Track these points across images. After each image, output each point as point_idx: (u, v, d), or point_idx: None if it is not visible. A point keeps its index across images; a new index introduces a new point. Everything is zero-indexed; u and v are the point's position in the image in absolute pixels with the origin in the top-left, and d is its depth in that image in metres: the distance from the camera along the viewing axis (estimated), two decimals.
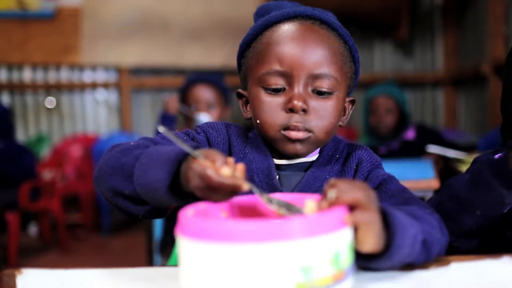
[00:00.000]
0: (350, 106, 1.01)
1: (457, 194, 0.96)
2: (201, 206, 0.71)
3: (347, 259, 0.62)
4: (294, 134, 0.89)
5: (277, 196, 0.75)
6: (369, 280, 0.71)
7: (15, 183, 3.53)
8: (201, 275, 0.59)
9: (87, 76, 5.17)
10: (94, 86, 5.15)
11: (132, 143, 0.86)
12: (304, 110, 0.89)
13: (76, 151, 4.62)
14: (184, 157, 0.75)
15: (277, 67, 0.90)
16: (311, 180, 0.93)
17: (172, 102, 2.70)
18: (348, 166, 0.97)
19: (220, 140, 0.98)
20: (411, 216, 0.75)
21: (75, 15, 4.96)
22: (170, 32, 5.00)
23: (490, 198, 0.90)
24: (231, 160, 0.72)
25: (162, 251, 2.15)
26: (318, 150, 0.98)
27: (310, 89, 0.90)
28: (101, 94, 5.20)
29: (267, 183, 0.93)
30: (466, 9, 4.85)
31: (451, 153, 2.45)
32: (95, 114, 5.21)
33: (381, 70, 5.24)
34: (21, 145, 3.80)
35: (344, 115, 0.99)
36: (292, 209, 0.70)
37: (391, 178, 0.94)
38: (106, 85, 5.16)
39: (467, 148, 2.77)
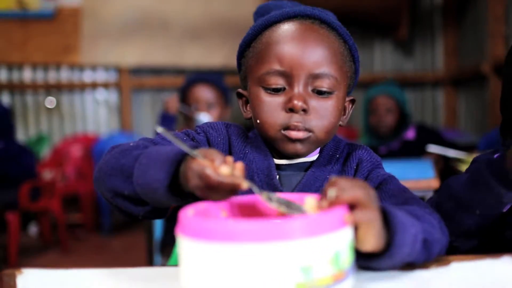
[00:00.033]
0: (350, 106, 1.01)
1: (456, 194, 0.96)
2: (202, 206, 0.71)
3: (347, 259, 0.62)
4: (294, 134, 0.89)
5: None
6: (369, 280, 0.71)
7: (15, 183, 3.53)
8: (201, 275, 0.59)
9: (87, 76, 5.17)
10: (94, 86, 5.15)
11: (131, 144, 0.86)
12: (304, 110, 0.89)
13: (76, 151, 4.62)
14: (183, 157, 0.75)
15: (277, 66, 0.90)
16: (311, 180, 0.93)
17: (172, 102, 2.70)
18: (348, 166, 0.97)
19: (220, 140, 0.98)
20: (411, 215, 0.75)
21: (75, 15, 4.96)
22: (170, 32, 5.00)
23: (489, 197, 0.90)
24: (230, 159, 0.72)
25: (162, 251, 2.15)
26: (318, 150, 0.98)
27: (310, 88, 0.90)
28: (101, 94, 5.20)
29: (267, 183, 0.93)
30: (466, 9, 4.85)
31: (451, 153, 2.45)
32: (95, 114, 5.21)
33: (381, 70, 5.24)
34: (21, 145, 3.80)
35: (344, 114, 0.99)
36: (292, 207, 0.70)
37: (391, 178, 0.94)
38: (106, 85, 5.16)
39: (467, 148, 2.77)
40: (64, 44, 4.97)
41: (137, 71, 5.14)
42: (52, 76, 5.12)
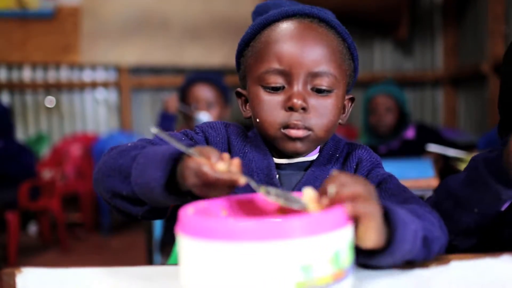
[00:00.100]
0: (350, 104, 1.01)
1: (454, 192, 0.96)
2: (201, 204, 0.71)
3: (347, 258, 0.62)
4: (294, 133, 0.89)
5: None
6: (369, 279, 0.71)
7: (15, 182, 3.53)
8: (201, 274, 0.59)
9: (87, 76, 5.17)
10: (93, 85, 5.15)
11: (129, 144, 0.86)
12: (304, 109, 0.89)
13: (75, 150, 4.62)
14: (179, 156, 0.76)
15: (276, 65, 0.90)
16: (311, 179, 0.93)
17: (172, 101, 2.70)
18: (348, 165, 0.97)
19: (219, 140, 0.98)
20: (411, 213, 0.75)
21: (75, 14, 4.96)
22: (170, 32, 5.00)
23: (487, 195, 0.90)
24: (226, 155, 0.72)
25: (162, 250, 2.15)
26: (318, 149, 0.98)
27: (309, 87, 0.90)
28: (100, 94, 5.20)
29: (267, 182, 0.93)
30: (466, 8, 4.84)
31: (451, 152, 2.45)
32: (94, 114, 5.21)
33: (381, 69, 5.24)
34: (21, 145, 3.80)
35: (343, 113, 0.99)
36: (290, 199, 0.70)
37: (391, 177, 0.94)
38: (105, 85, 5.16)
39: (466, 147, 2.77)
40: (63, 44, 4.97)
41: (137, 70, 5.14)
42: (51, 76, 5.12)
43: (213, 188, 0.71)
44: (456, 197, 0.96)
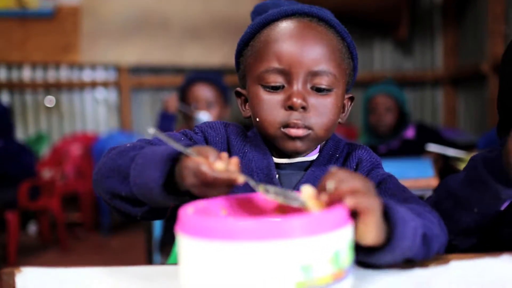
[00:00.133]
0: (349, 103, 1.01)
1: (453, 192, 0.97)
2: (201, 204, 0.71)
3: (347, 258, 0.62)
4: (294, 132, 0.89)
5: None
6: (369, 279, 0.71)
7: (15, 182, 3.53)
8: (201, 273, 0.59)
9: (87, 75, 5.17)
10: (93, 85, 5.15)
11: (128, 145, 0.86)
12: (304, 108, 0.89)
13: (75, 150, 4.62)
14: (178, 156, 0.76)
15: (275, 64, 0.90)
16: (311, 179, 0.93)
17: (172, 101, 2.70)
18: (348, 165, 0.97)
19: (219, 140, 0.98)
20: (411, 211, 0.75)
21: (75, 14, 4.96)
22: (170, 31, 5.00)
23: (487, 195, 0.90)
24: (224, 154, 0.72)
25: (162, 250, 2.15)
26: (318, 149, 0.98)
27: (309, 86, 0.90)
28: (100, 93, 5.20)
29: (267, 182, 0.92)
30: (466, 8, 4.84)
31: (450, 152, 2.45)
32: (94, 113, 5.21)
33: (380, 69, 5.24)
34: (21, 144, 3.80)
35: (343, 112, 0.99)
36: (289, 197, 0.70)
37: (390, 178, 0.94)
38: (105, 84, 5.16)
39: (466, 147, 2.77)
40: (63, 43, 4.97)
41: (137, 70, 5.14)
42: (51, 75, 5.12)
43: (211, 187, 0.71)
44: (455, 197, 0.96)
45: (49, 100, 5.12)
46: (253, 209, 0.76)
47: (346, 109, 1.00)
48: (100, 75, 5.17)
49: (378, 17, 4.96)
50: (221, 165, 0.70)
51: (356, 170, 0.97)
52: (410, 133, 3.03)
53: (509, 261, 0.76)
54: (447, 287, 0.69)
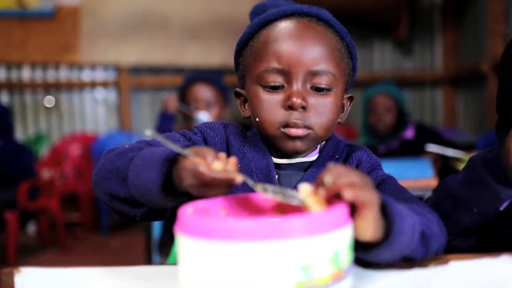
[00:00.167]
0: (348, 103, 1.01)
1: (453, 192, 0.97)
2: (201, 204, 0.71)
3: (346, 258, 0.62)
4: (293, 131, 0.89)
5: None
6: (368, 279, 0.71)
7: (14, 182, 3.53)
8: (200, 273, 0.59)
9: (86, 75, 5.16)
10: (93, 85, 5.15)
11: (126, 146, 0.86)
12: (303, 107, 0.89)
13: (75, 150, 4.62)
14: (176, 157, 0.76)
15: (275, 64, 0.90)
16: (311, 180, 0.93)
17: (171, 101, 2.69)
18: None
19: (218, 140, 0.98)
20: (409, 209, 0.75)
21: (74, 14, 4.96)
22: (170, 31, 5.00)
23: (486, 195, 0.91)
24: (222, 155, 0.72)
25: (161, 250, 2.14)
26: (317, 150, 0.98)
27: (308, 86, 0.91)
28: (100, 93, 5.20)
29: (266, 183, 0.92)
30: (465, 8, 4.85)
31: (450, 152, 2.45)
32: (94, 113, 5.21)
33: (380, 69, 5.24)
34: (20, 144, 3.80)
35: (342, 112, 0.99)
36: (287, 195, 0.70)
37: (390, 179, 0.94)
38: (105, 84, 5.16)
39: (466, 147, 2.77)
40: (63, 43, 4.97)
41: (136, 70, 5.14)
42: (51, 75, 5.12)
43: (210, 188, 0.71)
44: (455, 197, 0.96)
45: (49, 100, 5.12)
46: (253, 209, 0.76)
47: (345, 109, 1.00)
48: (99, 75, 5.17)
49: (377, 17, 4.97)
50: (219, 165, 0.70)
51: None
52: (409, 133, 3.03)
53: (509, 261, 0.76)
54: (447, 287, 0.69)
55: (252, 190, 0.74)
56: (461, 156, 2.34)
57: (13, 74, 5.09)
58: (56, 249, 3.95)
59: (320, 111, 0.90)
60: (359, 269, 0.74)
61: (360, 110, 3.18)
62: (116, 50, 4.99)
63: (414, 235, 0.72)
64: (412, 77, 5.17)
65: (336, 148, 0.99)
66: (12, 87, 5.07)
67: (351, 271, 0.64)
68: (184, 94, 2.59)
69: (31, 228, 4.45)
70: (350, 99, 1.01)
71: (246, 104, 0.99)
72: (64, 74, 5.14)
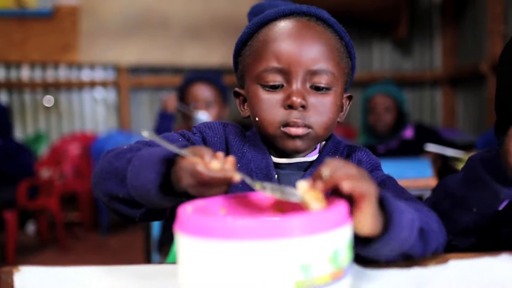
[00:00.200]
0: (347, 102, 1.02)
1: (452, 192, 0.97)
2: (200, 203, 0.71)
3: (346, 257, 0.62)
4: (294, 131, 0.89)
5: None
6: (367, 278, 0.71)
7: (13, 181, 3.53)
8: (200, 272, 0.59)
9: (86, 75, 5.16)
10: (92, 84, 5.14)
11: (125, 147, 0.86)
12: (303, 106, 0.89)
13: (74, 149, 4.62)
14: (174, 157, 0.76)
15: (274, 64, 0.90)
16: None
17: (171, 100, 2.69)
18: None
19: (217, 140, 0.98)
20: (409, 206, 0.75)
21: (74, 13, 4.95)
22: (169, 31, 4.99)
23: (485, 194, 0.91)
24: (220, 154, 0.72)
25: (160, 250, 2.14)
26: (317, 150, 0.98)
27: (308, 85, 0.91)
28: (99, 93, 5.19)
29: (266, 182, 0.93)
30: (465, 8, 4.85)
31: (449, 152, 2.45)
32: (93, 113, 5.20)
33: (379, 69, 5.24)
34: (19, 144, 3.79)
35: (341, 111, 0.99)
36: (285, 192, 0.70)
37: (390, 179, 0.95)
38: (104, 84, 5.15)
39: (465, 147, 2.77)
40: (62, 43, 4.96)
41: (136, 70, 5.14)
42: (50, 75, 5.11)
43: (208, 187, 0.71)
44: (454, 197, 0.96)
45: (48, 100, 5.11)
46: (252, 208, 0.76)
47: (344, 108, 1.01)
48: (99, 74, 5.17)
49: (377, 17, 4.97)
50: (217, 164, 0.70)
51: None
52: (409, 133, 3.04)
53: (508, 261, 0.76)
54: (446, 287, 0.69)
55: (251, 190, 0.74)
56: (461, 156, 2.34)
57: (12, 74, 5.09)
58: (55, 248, 3.95)
59: (320, 110, 0.91)
60: (358, 268, 0.74)
61: (360, 110, 3.18)
62: (116, 49, 4.98)
63: (413, 230, 0.72)
64: (411, 77, 5.17)
65: (336, 148, 0.99)
66: (11, 86, 5.07)
67: (351, 270, 0.64)
68: (183, 93, 2.58)
69: (31, 227, 4.45)
70: (349, 98, 1.02)
71: (246, 104, 0.99)
72: (63, 74, 5.14)
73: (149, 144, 0.89)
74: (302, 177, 0.94)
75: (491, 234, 0.97)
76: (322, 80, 0.90)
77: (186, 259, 0.61)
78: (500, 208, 0.94)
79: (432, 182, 1.90)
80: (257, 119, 0.93)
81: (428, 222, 0.77)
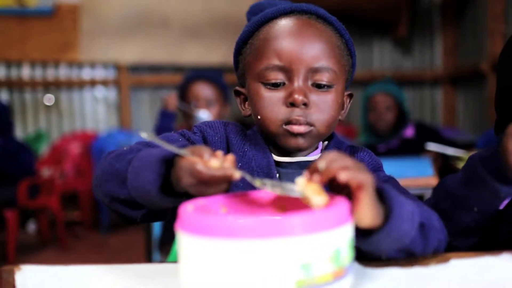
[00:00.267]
0: (348, 100, 1.02)
1: (452, 192, 0.97)
2: (201, 201, 0.71)
3: (347, 256, 0.62)
4: (296, 128, 0.89)
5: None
6: (368, 277, 0.71)
7: (14, 180, 3.53)
8: (201, 271, 0.59)
9: (86, 73, 5.16)
10: (93, 83, 5.14)
11: (125, 148, 0.86)
12: (305, 104, 0.89)
13: (75, 148, 4.62)
14: (173, 157, 0.76)
15: (276, 61, 0.90)
16: None
17: (171, 99, 2.69)
18: None
19: (218, 139, 0.98)
20: (410, 200, 0.75)
21: (74, 12, 4.95)
22: (169, 30, 4.99)
23: (486, 193, 0.91)
24: (219, 152, 0.73)
25: (161, 249, 2.14)
26: (319, 149, 0.98)
27: (309, 82, 0.91)
28: (100, 91, 5.19)
29: None
30: (465, 7, 4.84)
31: (450, 151, 2.45)
32: (94, 112, 5.20)
33: (380, 68, 5.24)
34: (20, 142, 3.79)
35: (342, 109, 0.99)
36: (285, 188, 0.70)
37: (391, 180, 0.94)
38: (105, 83, 5.15)
39: (466, 146, 2.78)
40: (62, 41, 4.96)
41: (136, 68, 5.13)
42: (50, 73, 5.11)
43: (208, 185, 0.71)
44: (454, 197, 0.96)
45: (48, 99, 5.11)
46: (253, 207, 0.76)
47: (345, 106, 1.01)
48: (99, 73, 5.17)
49: (377, 16, 4.96)
50: (216, 162, 0.70)
51: None
52: (409, 132, 3.03)
53: (509, 260, 0.76)
54: (447, 286, 0.69)
55: (252, 189, 0.74)
56: (461, 155, 2.34)
57: (12, 72, 5.09)
58: (56, 247, 3.95)
59: (322, 108, 0.91)
60: (359, 267, 0.74)
61: (360, 109, 3.18)
62: (116, 48, 4.98)
63: (413, 223, 0.72)
64: (411, 76, 5.17)
65: (338, 148, 0.99)
66: (11, 85, 5.07)
67: (352, 269, 0.64)
68: (184, 92, 2.58)
69: (31, 226, 4.45)
70: (350, 96, 1.02)
71: (246, 102, 0.99)
72: (64, 73, 5.13)
73: (149, 145, 0.90)
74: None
75: (491, 233, 0.97)
76: (324, 78, 0.90)
77: (187, 258, 0.61)
78: (501, 207, 0.94)
79: (433, 181, 1.90)
80: (259, 117, 0.93)
81: (429, 218, 0.77)
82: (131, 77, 5.13)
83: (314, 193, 0.67)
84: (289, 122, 0.90)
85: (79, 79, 5.14)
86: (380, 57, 5.28)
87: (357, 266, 0.74)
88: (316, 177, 0.68)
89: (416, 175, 1.99)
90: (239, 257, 0.57)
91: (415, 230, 0.73)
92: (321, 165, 0.68)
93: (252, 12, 1.06)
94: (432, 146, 2.53)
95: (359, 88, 4.29)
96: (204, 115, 2.46)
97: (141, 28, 4.96)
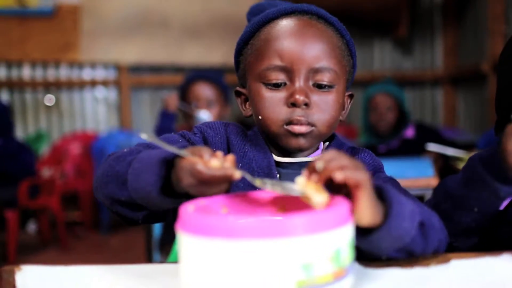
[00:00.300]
0: (349, 101, 1.02)
1: (452, 193, 0.97)
2: (202, 202, 0.71)
3: (347, 256, 0.62)
4: (297, 128, 0.90)
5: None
6: (369, 277, 0.71)
7: (14, 180, 3.53)
8: (201, 272, 0.59)
9: (87, 74, 5.16)
10: (93, 83, 5.14)
11: (125, 150, 0.86)
12: (306, 104, 0.89)
13: (75, 148, 4.62)
14: (173, 158, 0.76)
15: (277, 62, 0.90)
16: None
17: (172, 100, 2.69)
18: None
19: (218, 140, 0.98)
20: (410, 200, 0.75)
21: (75, 12, 4.95)
22: (170, 30, 5.00)
23: (486, 194, 0.91)
24: (219, 153, 0.73)
25: (161, 249, 2.14)
26: (320, 150, 0.98)
27: (310, 83, 0.91)
28: (100, 92, 5.19)
29: None
30: (466, 7, 4.84)
31: (450, 151, 2.45)
32: (94, 112, 5.20)
33: (380, 68, 5.24)
34: (20, 143, 3.80)
35: (343, 109, 0.99)
36: (285, 188, 0.70)
37: (392, 181, 0.94)
38: (105, 83, 5.15)
39: (466, 147, 2.78)
40: (63, 42, 4.96)
41: (137, 69, 5.14)
42: (51, 74, 5.12)
43: (209, 186, 0.71)
44: (454, 197, 0.96)
45: (49, 99, 5.12)
46: (254, 207, 0.76)
47: (346, 106, 1.01)
48: (100, 73, 5.17)
49: (378, 16, 4.97)
50: (216, 162, 0.70)
51: None
52: (410, 132, 3.04)
53: (510, 260, 0.76)
54: (448, 286, 0.69)
55: (252, 189, 0.74)
56: (461, 155, 2.34)
57: (13, 73, 5.09)
58: (56, 247, 3.95)
59: (323, 108, 0.91)
60: (360, 267, 0.74)
61: (361, 109, 3.18)
62: (117, 48, 4.98)
63: (413, 221, 0.72)
64: (412, 76, 5.17)
65: (339, 149, 0.99)
66: (12, 85, 5.07)
67: (352, 270, 0.64)
68: (184, 92, 2.59)
69: (32, 226, 4.45)
70: (351, 96, 1.02)
71: (247, 103, 0.99)
72: (64, 73, 5.14)
73: (149, 146, 0.90)
74: None
75: (492, 233, 0.97)
76: (325, 78, 0.91)
77: (188, 258, 0.61)
78: (501, 207, 0.94)
79: (433, 181, 1.90)
80: (260, 117, 0.93)
81: (429, 218, 0.77)
82: (132, 78, 5.13)
83: (314, 192, 0.67)
84: (290, 122, 0.90)
85: (79, 80, 5.14)
86: (381, 58, 5.28)
87: (357, 266, 0.73)
88: (314, 177, 0.68)
89: (417, 175, 1.99)
90: (240, 258, 0.57)
91: (415, 229, 0.73)
92: (319, 164, 0.68)
93: (253, 13, 1.06)
94: (432, 147, 2.53)
95: (360, 89, 4.29)
96: (204, 115, 2.46)
97: (142, 29, 4.97)
